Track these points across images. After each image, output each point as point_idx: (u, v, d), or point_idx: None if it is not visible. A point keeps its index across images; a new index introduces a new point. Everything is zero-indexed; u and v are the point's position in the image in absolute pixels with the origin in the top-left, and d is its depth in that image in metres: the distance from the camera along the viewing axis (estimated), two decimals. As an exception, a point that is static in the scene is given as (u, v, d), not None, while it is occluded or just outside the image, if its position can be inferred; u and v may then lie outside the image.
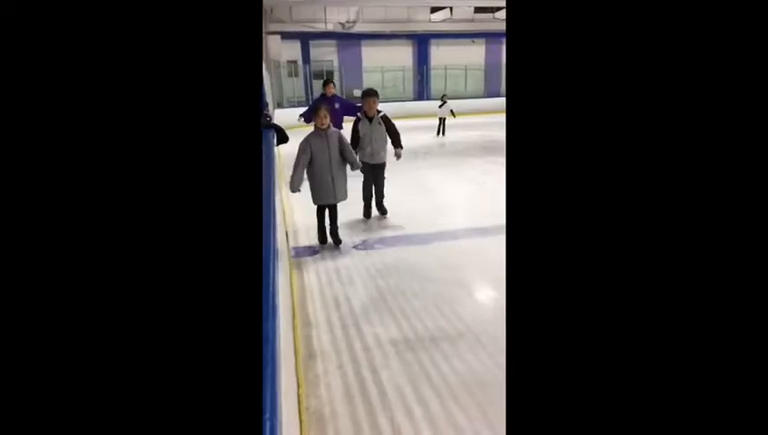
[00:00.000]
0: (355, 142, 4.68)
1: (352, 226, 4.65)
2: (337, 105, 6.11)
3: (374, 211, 5.04)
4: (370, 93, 4.75)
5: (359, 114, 4.81)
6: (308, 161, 3.90)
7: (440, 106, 12.42)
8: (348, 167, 4.10)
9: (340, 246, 4.15)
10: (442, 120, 12.02)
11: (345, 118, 6.02)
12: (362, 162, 4.61)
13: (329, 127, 3.93)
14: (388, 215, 5.02)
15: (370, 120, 4.71)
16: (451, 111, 12.10)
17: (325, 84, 6.45)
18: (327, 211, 4.15)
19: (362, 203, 4.98)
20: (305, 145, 3.87)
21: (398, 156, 4.85)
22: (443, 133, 11.79)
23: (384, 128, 4.74)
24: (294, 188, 3.88)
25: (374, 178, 4.89)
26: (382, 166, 4.88)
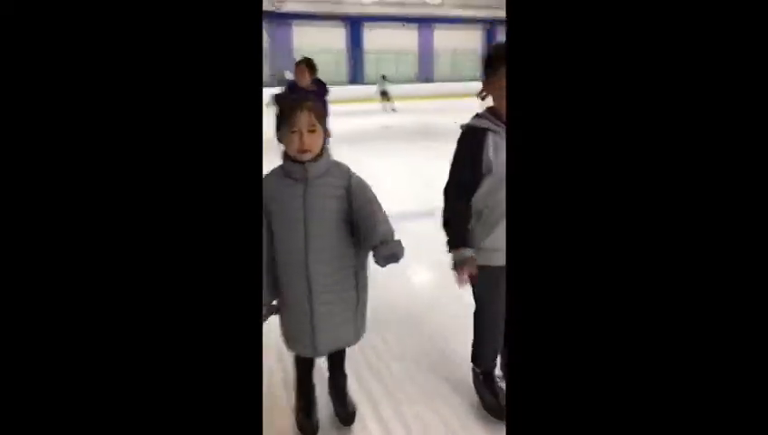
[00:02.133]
0: (466, 193, 1.59)
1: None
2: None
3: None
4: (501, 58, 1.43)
5: (480, 120, 1.54)
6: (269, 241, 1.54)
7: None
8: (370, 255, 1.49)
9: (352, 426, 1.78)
10: None
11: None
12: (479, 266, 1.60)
13: (317, 158, 1.48)
14: None
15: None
16: None
17: (298, 66, 3.83)
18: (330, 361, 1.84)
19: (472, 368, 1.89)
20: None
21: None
22: None
23: None
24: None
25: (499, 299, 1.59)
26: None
